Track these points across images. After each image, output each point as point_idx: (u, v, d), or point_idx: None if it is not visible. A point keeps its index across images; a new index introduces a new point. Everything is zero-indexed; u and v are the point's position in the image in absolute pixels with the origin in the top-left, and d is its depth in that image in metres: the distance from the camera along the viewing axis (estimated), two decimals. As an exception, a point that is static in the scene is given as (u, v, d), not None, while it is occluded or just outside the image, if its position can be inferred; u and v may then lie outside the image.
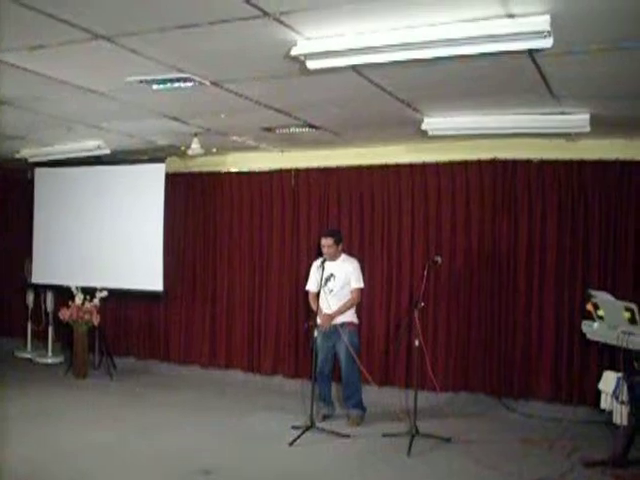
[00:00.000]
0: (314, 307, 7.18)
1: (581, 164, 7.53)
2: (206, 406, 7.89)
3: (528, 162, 7.73)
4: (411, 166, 8.25)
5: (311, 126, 7.20)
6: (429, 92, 5.73)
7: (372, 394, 7.58)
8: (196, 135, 7.71)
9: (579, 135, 6.93)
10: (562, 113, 6.23)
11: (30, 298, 10.48)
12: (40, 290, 10.38)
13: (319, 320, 7.00)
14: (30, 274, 10.25)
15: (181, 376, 9.44)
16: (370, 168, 8.47)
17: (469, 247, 8.00)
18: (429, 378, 7.14)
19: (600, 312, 5.94)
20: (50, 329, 10.23)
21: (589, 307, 6.05)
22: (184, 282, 9.68)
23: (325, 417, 7.25)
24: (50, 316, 10.20)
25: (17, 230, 10.80)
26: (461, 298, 8.01)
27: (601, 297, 6.05)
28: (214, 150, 8.79)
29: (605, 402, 6.26)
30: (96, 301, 9.25)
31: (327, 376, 7.32)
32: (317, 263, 7.20)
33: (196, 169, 9.60)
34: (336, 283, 7.11)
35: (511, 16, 3.85)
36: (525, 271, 7.75)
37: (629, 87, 5.34)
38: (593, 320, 6.07)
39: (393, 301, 8.33)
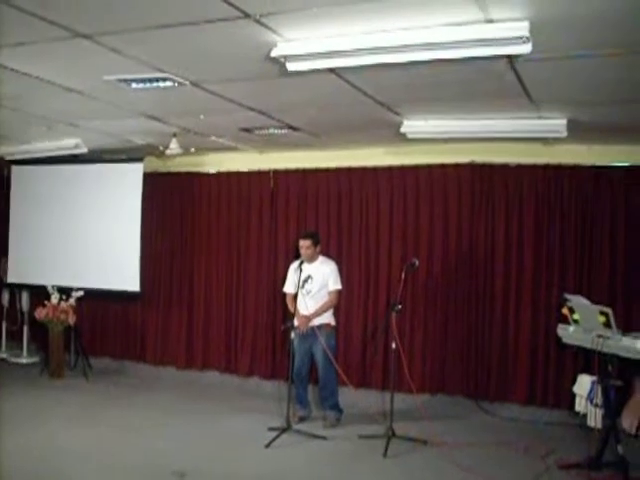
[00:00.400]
0: (292, 309, 7.18)
1: (557, 169, 7.58)
2: (182, 407, 7.86)
3: (505, 166, 7.78)
4: (390, 169, 8.27)
5: (290, 127, 7.19)
6: (408, 95, 5.75)
7: (349, 396, 7.58)
8: (175, 135, 7.68)
9: (556, 140, 6.98)
10: (540, 118, 6.27)
11: (5, 297, 10.38)
12: (15, 290, 10.29)
13: (296, 322, 7.00)
14: (5, 273, 10.15)
15: (157, 377, 9.39)
16: (349, 170, 8.49)
17: (447, 250, 8.03)
18: (406, 380, 7.14)
19: (575, 316, 5.98)
20: (25, 329, 10.14)
21: (565, 311, 6.09)
22: (161, 283, 9.64)
23: (302, 419, 7.25)
24: (25, 316, 10.12)
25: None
26: (438, 301, 8.04)
27: (576, 301, 6.09)
28: (192, 150, 8.77)
29: (580, 405, 6.33)
30: (72, 301, 9.18)
31: (304, 378, 7.32)
32: (295, 265, 7.20)
33: (174, 169, 9.57)
34: (314, 285, 7.11)
35: (490, 21, 3.87)
36: (502, 274, 7.78)
37: (607, 93, 5.38)
38: (569, 324, 6.12)
39: (370, 303, 8.34)
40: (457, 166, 7.95)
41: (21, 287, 10.12)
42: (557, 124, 6.26)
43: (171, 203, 9.62)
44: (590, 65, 4.60)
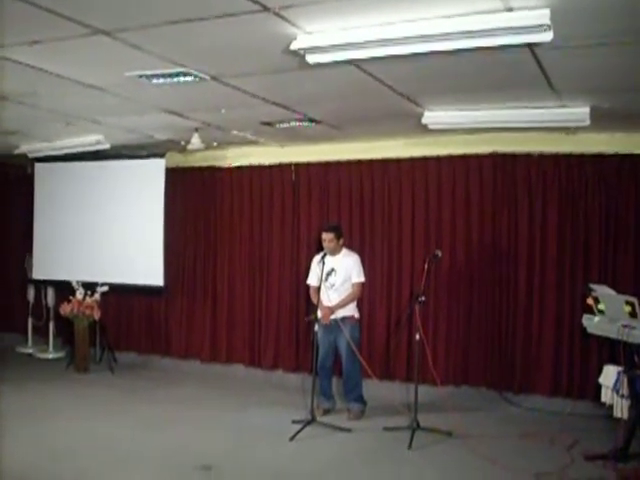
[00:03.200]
0: (315, 301, 7.19)
1: (581, 158, 7.53)
2: (207, 401, 7.90)
3: (528, 155, 7.73)
4: (411, 160, 8.24)
5: (311, 120, 7.19)
6: (429, 86, 5.72)
7: (373, 388, 7.57)
8: (196, 130, 7.71)
9: (579, 129, 6.92)
10: (562, 106, 6.22)
11: (31, 293, 10.49)
12: (41, 285, 10.39)
13: (319, 313, 7.00)
14: (31, 269, 10.25)
15: (182, 371, 9.43)
16: (370, 162, 8.47)
17: (469, 241, 8.00)
18: (430, 372, 7.15)
19: (600, 306, 5.95)
20: (51, 324, 10.24)
21: (589, 301, 6.07)
22: (185, 277, 9.68)
23: (326, 411, 7.28)
24: (51, 311, 10.21)
25: (18, 226, 10.79)
26: (462, 292, 8.02)
27: (601, 291, 6.07)
28: (214, 144, 8.77)
29: (605, 396, 6.25)
30: (97, 296, 9.26)
31: (328, 370, 7.33)
32: (317, 258, 7.21)
33: (196, 164, 9.59)
34: (337, 278, 7.12)
35: (510, 9, 3.83)
36: (525, 265, 7.74)
37: (629, 80, 5.32)
38: (594, 314, 6.10)
39: (394, 295, 8.33)
40: (479, 156, 7.91)
41: (46, 283, 10.21)
42: (580, 112, 6.20)
43: (193, 198, 9.65)
44: (612, 52, 4.54)
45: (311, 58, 4.46)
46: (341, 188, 8.67)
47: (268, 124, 7.42)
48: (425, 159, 8.18)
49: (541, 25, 3.76)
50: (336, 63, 4.61)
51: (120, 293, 9.64)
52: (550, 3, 3.69)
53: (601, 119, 6.40)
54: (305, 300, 8.21)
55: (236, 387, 8.63)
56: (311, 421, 6.68)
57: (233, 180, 9.41)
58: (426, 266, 6.79)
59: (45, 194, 10.08)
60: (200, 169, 9.60)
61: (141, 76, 5.44)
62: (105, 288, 9.32)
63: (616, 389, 5.99)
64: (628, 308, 5.61)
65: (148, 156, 9.40)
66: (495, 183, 7.89)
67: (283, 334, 9.00)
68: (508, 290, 7.82)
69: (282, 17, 4.05)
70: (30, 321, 10.62)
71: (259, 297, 9.20)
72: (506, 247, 7.84)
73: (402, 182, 8.32)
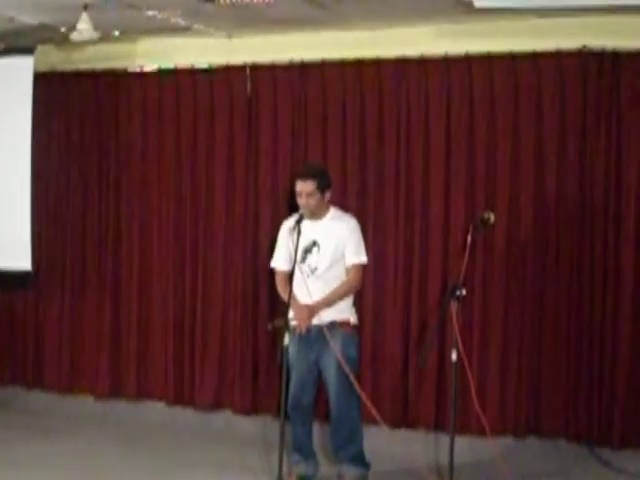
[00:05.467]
0: (284, 296, 7.16)
1: None
2: (104, 463, 7.86)
3: (638, 54, 7.71)
4: (445, 60, 8.27)
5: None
6: None
7: (381, 441, 7.61)
8: (86, 8, 7.68)
9: None
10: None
11: None
12: None
13: (293, 317, 6.99)
14: None
15: (62, 413, 9.46)
16: (378, 63, 8.49)
17: (541, 198, 8.00)
18: (475, 414, 7.18)
19: None
20: None
21: None
22: (68, 258, 9.74)
23: (303, 479, 7.26)
24: None
25: None
26: (527, 283, 8.02)
27: None
28: (116, 33, 8.86)
29: None
30: None
31: (306, 411, 7.32)
32: (289, 223, 7.23)
33: (85, 66, 9.62)
34: (321, 257, 7.13)
35: None
36: (634, 239, 7.76)
37: None
38: None
39: (414, 287, 8.34)
40: (559, 55, 7.91)
41: None
42: None
43: (81, 122, 9.66)
44: None
45: None
46: (327, 106, 8.66)
47: (209, -1, 7.44)
48: (468, 59, 8.20)
49: None
50: None
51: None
52: None
53: None
54: (268, 294, 8.29)
55: (154, 440, 8.66)
56: (278, 497, 6.71)
57: (147, 94, 9.42)
58: (469, 239, 6.75)
59: None
60: (92, 75, 9.62)
61: None
62: None
63: None
64: None
65: (7, 52, 9.36)
66: (585, 98, 7.88)
67: (231, 352, 9.02)
68: (605, 283, 7.80)
69: None
70: None
71: (191, 292, 9.23)
72: (601, 208, 7.83)
73: (430, 96, 8.31)
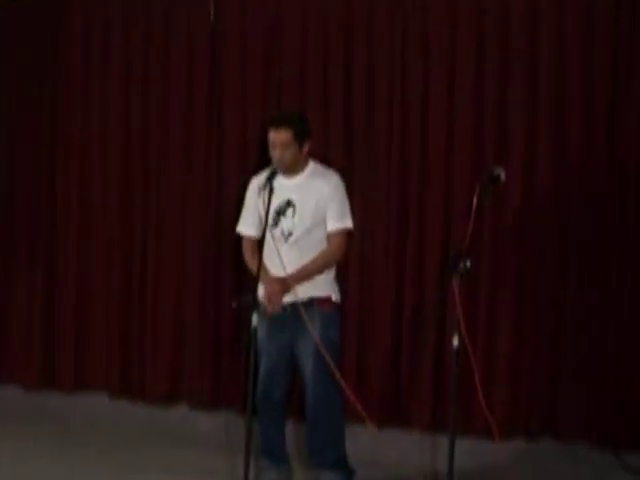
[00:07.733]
0: (252, 267, 6.73)
1: None
2: (34, 466, 7.37)
3: None
4: None
5: None
6: None
7: (367, 442, 7.40)
8: None
9: None
10: None
11: None
12: None
13: (262, 293, 6.56)
14: None
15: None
16: None
17: (563, 148, 7.45)
18: (480, 412, 6.63)
19: None
20: None
21: None
22: None
23: (273, 487, 6.97)
24: None
25: None
26: (545, 256, 7.53)
27: None
28: None
29: None
30: None
31: (277, 405, 6.99)
32: (260, 180, 6.78)
33: None
34: (297, 220, 6.75)
35: None
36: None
37: None
38: None
39: (409, 259, 7.86)
40: None
41: None
42: None
43: (3, 59, 9.20)
44: None
45: None
46: (307, 35, 8.16)
47: None
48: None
49: None
50: None
51: None
52: None
53: None
54: (234, 266, 7.96)
55: (96, 436, 8.30)
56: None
57: (87, 17, 8.91)
58: (475, 200, 6.14)
59: None
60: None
61: None
62: None
63: None
64: None
65: None
66: (617, 29, 7.24)
67: (188, 335, 8.59)
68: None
69: None
70: None
71: (141, 260, 8.77)
72: (636, 161, 7.28)
73: (430, 24, 7.74)
